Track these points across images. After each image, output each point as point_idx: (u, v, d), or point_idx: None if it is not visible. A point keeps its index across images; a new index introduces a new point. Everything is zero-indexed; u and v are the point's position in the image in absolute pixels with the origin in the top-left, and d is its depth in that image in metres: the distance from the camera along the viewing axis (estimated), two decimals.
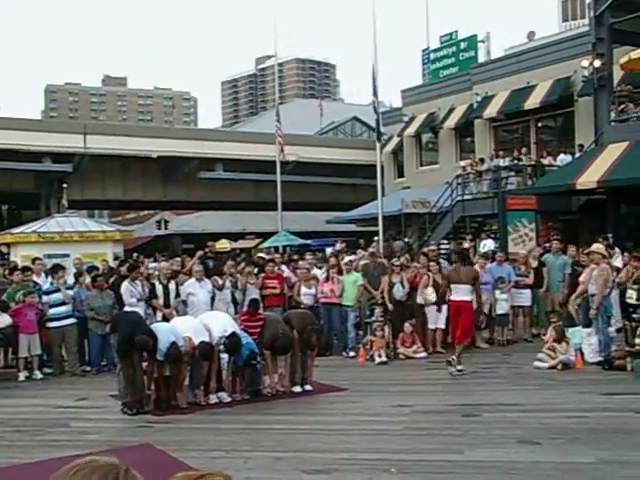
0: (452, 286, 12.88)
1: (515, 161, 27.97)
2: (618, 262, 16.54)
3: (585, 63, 25.33)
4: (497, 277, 16.04)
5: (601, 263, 13.15)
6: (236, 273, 15.57)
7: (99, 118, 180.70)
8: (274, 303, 15.45)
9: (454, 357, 12.58)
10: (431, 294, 15.26)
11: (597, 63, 24.28)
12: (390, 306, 15.16)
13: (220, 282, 14.76)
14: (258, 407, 10.62)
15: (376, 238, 25.32)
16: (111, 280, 15.11)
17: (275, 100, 41.74)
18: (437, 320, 15.26)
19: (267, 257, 20.80)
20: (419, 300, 15.33)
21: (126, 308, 13.52)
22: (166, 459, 7.87)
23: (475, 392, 11.13)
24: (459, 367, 12.50)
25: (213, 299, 14.43)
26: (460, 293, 12.75)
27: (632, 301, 13.62)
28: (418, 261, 16.51)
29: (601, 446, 7.83)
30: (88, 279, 15.05)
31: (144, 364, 10.43)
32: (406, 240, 28.46)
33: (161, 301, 14.28)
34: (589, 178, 22.02)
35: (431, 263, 15.93)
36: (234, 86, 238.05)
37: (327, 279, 15.79)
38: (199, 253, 17.26)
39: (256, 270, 16.00)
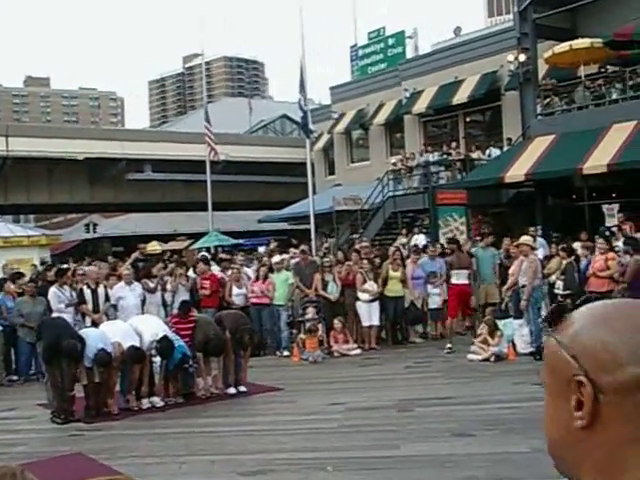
0: (454, 271, 14.97)
1: (444, 156, 28.30)
2: (540, 254, 16.85)
3: (511, 57, 25.73)
4: (429, 272, 16.18)
5: (530, 255, 13.40)
6: (166, 275, 15.39)
7: (22, 120, 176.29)
8: (208, 304, 15.35)
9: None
10: (373, 287, 15.31)
11: (522, 57, 24.70)
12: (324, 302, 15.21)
13: (151, 285, 14.58)
14: (192, 410, 10.54)
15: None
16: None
17: (203, 99, 41.47)
18: (371, 317, 15.33)
19: (209, 256, 20.68)
20: (362, 297, 15.34)
21: (54, 314, 13.24)
22: (97, 468, 7.71)
23: (409, 387, 11.22)
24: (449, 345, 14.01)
25: (143, 302, 14.23)
26: (462, 277, 14.70)
27: (559, 291, 13.99)
28: (350, 258, 16.56)
29: (535, 435, 7.93)
30: (12, 286, 14.67)
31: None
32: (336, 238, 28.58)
33: (90, 306, 14.02)
34: (517, 171, 22.42)
35: (364, 262, 15.95)
36: (162, 85, 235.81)
37: (257, 279, 15.73)
38: (134, 255, 17.04)
39: (191, 271, 15.93)
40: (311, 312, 15.01)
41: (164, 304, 14.71)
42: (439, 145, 30.37)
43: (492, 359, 12.80)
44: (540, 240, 18.92)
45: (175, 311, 12.67)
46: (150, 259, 18.94)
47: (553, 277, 14.93)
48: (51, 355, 10.05)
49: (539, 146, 22.85)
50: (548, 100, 23.93)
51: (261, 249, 28.62)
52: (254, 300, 15.46)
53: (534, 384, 10.65)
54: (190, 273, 16.14)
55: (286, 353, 15.09)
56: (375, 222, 28.63)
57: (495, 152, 27.22)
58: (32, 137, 40.01)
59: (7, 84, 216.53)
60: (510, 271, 14.09)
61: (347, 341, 15.04)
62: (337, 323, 14.96)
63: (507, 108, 28.98)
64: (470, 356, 13.15)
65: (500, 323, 13.49)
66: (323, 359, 14.29)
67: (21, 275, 15.95)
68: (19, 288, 14.46)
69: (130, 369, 10.59)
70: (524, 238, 14.05)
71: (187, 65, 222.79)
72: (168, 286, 15.08)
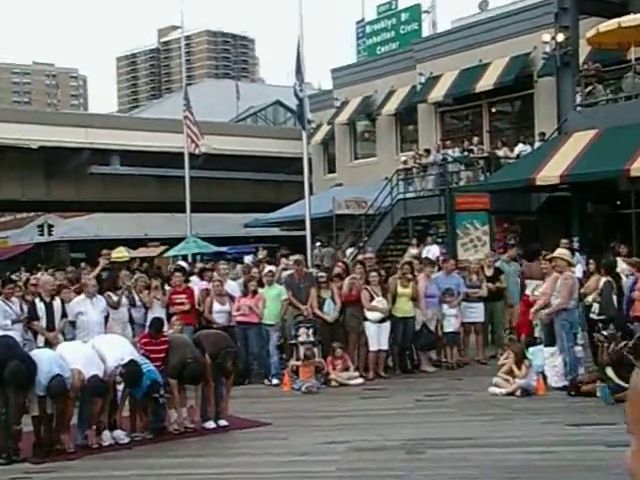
0: (527, 281, 15.73)
1: (465, 153, 28.34)
2: (579, 271, 16.87)
3: (546, 37, 25.71)
4: (444, 289, 16.17)
5: (565, 271, 13.39)
6: (132, 286, 15.37)
7: None
8: (185, 321, 15.31)
9: None
10: (383, 303, 15.28)
11: (560, 37, 24.66)
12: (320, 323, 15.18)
13: (115, 298, 14.54)
14: (163, 448, 10.51)
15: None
16: None
17: (182, 80, 41.52)
18: (380, 340, 15.28)
19: (185, 266, 20.62)
20: (370, 316, 15.30)
21: None
22: None
23: (419, 425, 11.20)
24: None
25: (107, 319, 14.21)
26: (537, 289, 14.83)
27: (594, 316, 13.93)
28: (353, 271, 16.53)
29: None
30: None
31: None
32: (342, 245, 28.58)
33: (43, 323, 13.96)
34: (551, 172, 22.41)
35: (372, 273, 15.90)
36: (132, 63, 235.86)
37: (245, 294, 15.70)
38: (103, 262, 17.01)
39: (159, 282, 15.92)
40: (305, 333, 14.97)
41: (131, 321, 14.69)
42: (459, 140, 30.42)
43: (518, 393, 12.77)
44: (577, 255, 18.93)
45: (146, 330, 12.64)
46: (116, 268, 18.90)
47: (590, 298, 14.74)
48: None
49: (578, 142, 22.85)
50: (590, 88, 23.86)
51: (247, 259, 28.64)
52: (240, 318, 15.42)
53: (568, 425, 10.65)
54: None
55: (275, 381, 15.05)
56: (382, 229, 28.67)
57: (525, 149, 27.24)
58: None
59: None
60: (541, 290, 14.09)
61: (347, 368, 15.00)
62: (336, 347, 14.93)
63: (540, 97, 29.03)
64: (492, 389, 13.13)
65: (528, 351, 13.47)
66: (319, 389, 14.25)
67: None
68: None
69: (90, 399, 10.54)
70: (560, 251, 14.01)
71: (163, 40, 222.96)
72: (136, 299, 15.01)
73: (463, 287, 16.40)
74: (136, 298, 15.09)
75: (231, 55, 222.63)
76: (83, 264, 22.31)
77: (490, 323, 17.17)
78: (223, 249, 38.45)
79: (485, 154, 28.07)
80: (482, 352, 16.70)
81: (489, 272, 17.08)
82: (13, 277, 19.12)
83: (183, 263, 24.79)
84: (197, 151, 34.22)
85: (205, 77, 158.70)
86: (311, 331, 15.03)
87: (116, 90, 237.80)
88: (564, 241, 19.50)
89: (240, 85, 70.92)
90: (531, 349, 13.65)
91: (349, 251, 27.11)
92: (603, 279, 14.43)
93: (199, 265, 23.96)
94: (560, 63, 24.91)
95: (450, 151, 28.92)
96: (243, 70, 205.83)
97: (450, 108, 33.42)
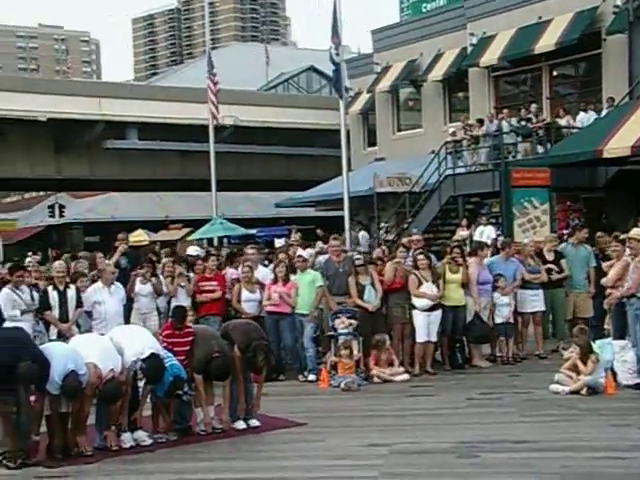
0: None
1: (522, 122, 28.15)
2: None
3: None
4: (497, 274, 16.06)
5: None
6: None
7: None
8: (212, 311, 15.44)
9: None
10: (432, 290, 15.23)
11: None
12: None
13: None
14: (188, 451, 10.55)
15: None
16: None
17: (206, 44, 41.44)
18: (429, 331, 15.24)
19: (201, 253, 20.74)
20: (418, 304, 15.25)
21: (6, 323, 13.31)
22: None
23: (472, 426, 11.16)
24: None
25: (127, 309, 14.35)
26: None
27: None
28: (396, 255, 16.50)
29: None
30: None
31: (31, 398, 10.27)
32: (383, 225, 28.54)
33: (56, 313, 14.10)
34: (621, 143, 22.24)
35: (419, 257, 15.79)
36: (150, 25, 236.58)
37: (275, 280, 15.73)
38: (122, 247, 17.16)
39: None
40: (344, 324, 14.96)
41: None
42: (515, 108, 30.20)
43: (584, 392, 12.69)
44: None
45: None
46: (136, 254, 19.01)
47: None
48: (3, 379, 10.07)
49: None
50: None
51: (279, 242, 28.68)
52: (270, 308, 15.47)
53: None
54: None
55: (312, 377, 15.06)
56: (428, 209, 28.61)
57: (590, 117, 27.02)
58: None
59: None
60: (609, 277, 13.93)
61: (391, 363, 14.99)
62: (380, 339, 14.91)
63: (609, 58, 28.72)
64: (554, 387, 13.06)
65: (595, 345, 13.38)
66: (359, 386, 14.26)
67: None
68: None
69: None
70: (635, 231, 13.82)
71: None
72: (164, 288, 15.35)
73: (520, 273, 16.28)
74: (163, 285, 15.41)
75: (259, 15, 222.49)
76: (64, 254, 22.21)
77: (550, 313, 17.07)
78: (252, 231, 38.59)
79: (545, 123, 27.86)
80: (542, 345, 16.62)
81: (550, 256, 16.96)
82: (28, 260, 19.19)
83: (197, 248, 24.76)
84: (221, 123, 34.21)
85: (231, 40, 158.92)
86: (351, 321, 15.00)
87: (132, 56, 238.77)
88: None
89: (270, 49, 71.03)
90: (598, 342, 13.55)
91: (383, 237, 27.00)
92: None
93: (225, 250, 24.05)
94: (634, 17, 24.61)
95: (505, 121, 28.70)
96: (273, 32, 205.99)
97: (505, 72, 33.21)
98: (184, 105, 42.64)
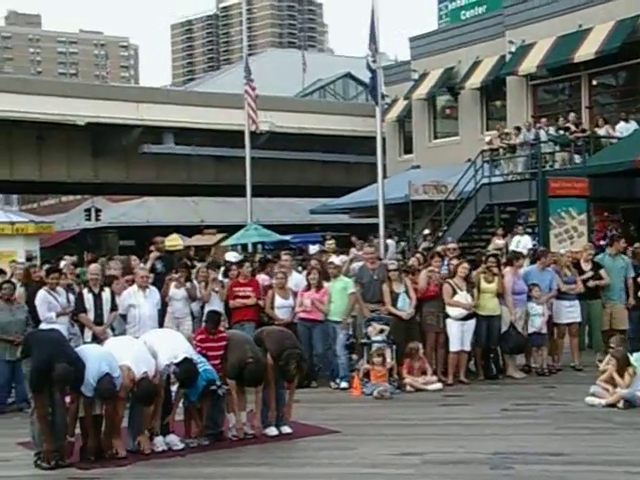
0: None
1: (560, 131, 28.01)
2: None
3: None
4: (531, 284, 15.99)
5: None
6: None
7: (3, 70, 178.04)
8: (247, 317, 15.48)
9: None
10: (467, 299, 15.19)
11: None
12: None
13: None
14: (220, 456, 10.57)
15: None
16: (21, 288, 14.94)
17: (243, 50, 41.56)
18: (463, 340, 15.20)
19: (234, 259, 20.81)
20: (452, 313, 15.22)
21: (42, 325, 13.41)
22: None
23: (506, 437, 11.11)
24: None
25: (161, 313, 14.42)
26: None
27: None
28: (431, 264, 16.46)
29: None
30: None
31: (67, 400, 10.33)
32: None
33: (91, 316, 14.19)
34: None
35: (463, 265, 15.65)
36: (188, 30, 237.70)
37: (308, 287, 15.74)
38: (155, 254, 17.26)
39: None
40: (377, 331, 14.95)
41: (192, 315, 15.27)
42: (553, 117, 30.09)
43: (620, 405, 12.59)
44: None
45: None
46: (171, 258, 19.09)
47: None
48: (40, 381, 10.12)
49: None
50: None
51: (313, 248, 28.69)
52: (302, 315, 15.49)
53: None
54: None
55: (344, 385, 15.04)
56: (464, 217, 28.52)
57: (630, 127, 26.85)
58: (16, 93, 40.50)
59: None
60: None
61: (424, 372, 14.96)
62: (414, 347, 14.88)
63: None
64: (590, 399, 12.96)
65: (632, 357, 13.28)
66: (392, 394, 14.23)
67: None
68: None
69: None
70: None
71: (222, 5, 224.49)
72: (198, 293, 15.47)
73: (555, 284, 16.20)
74: (197, 290, 15.52)
75: (297, 22, 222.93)
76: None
77: (587, 325, 16.96)
78: (286, 238, 38.62)
79: (584, 133, 27.70)
80: (577, 357, 16.51)
81: (587, 267, 16.86)
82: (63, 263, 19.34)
83: (235, 254, 24.88)
84: (255, 129, 34.23)
85: (268, 46, 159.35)
86: (382, 327, 14.98)
87: (170, 61, 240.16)
88: None
89: (307, 55, 71.18)
90: (635, 354, 13.44)
91: (423, 245, 26.93)
92: None
93: (259, 255, 24.08)
94: None
95: (543, 130, 28.56)
96: (310, 39, 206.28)
97: (544, 81, 33.08)
98: (220, 111, 42.81)
